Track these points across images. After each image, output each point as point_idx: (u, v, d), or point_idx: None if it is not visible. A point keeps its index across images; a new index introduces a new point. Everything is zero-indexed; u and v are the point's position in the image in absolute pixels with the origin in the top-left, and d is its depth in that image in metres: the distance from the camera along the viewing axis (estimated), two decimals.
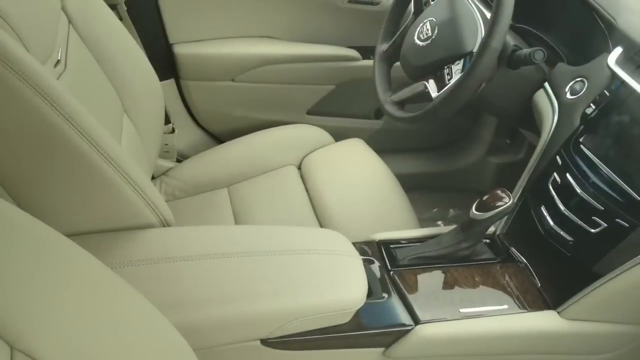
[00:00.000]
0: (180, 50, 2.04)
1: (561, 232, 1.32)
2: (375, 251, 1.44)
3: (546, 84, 1.51)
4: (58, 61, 1.24)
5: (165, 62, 2.06)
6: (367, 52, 2.16)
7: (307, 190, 1.76)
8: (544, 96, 1.50)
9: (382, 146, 2.00)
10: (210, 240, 1.23)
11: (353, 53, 2.16)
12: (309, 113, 2.28)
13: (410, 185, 1.88)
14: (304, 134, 1.99)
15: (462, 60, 1.50)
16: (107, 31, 1.55)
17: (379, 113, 2.31)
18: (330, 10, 2.08)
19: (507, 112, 1.71)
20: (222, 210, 1.73)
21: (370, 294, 1.26)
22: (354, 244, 1.33)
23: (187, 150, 2.15)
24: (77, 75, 1.32)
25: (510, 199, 1.27)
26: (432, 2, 1.68)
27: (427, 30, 1.60)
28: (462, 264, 1.39)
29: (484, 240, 1.48)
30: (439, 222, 2.28)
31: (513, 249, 1.45)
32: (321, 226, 1.64)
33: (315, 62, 2.14)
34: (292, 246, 1.24)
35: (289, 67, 2.12)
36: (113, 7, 1.75)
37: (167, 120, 1.88)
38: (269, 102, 2.21)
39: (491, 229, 1.50)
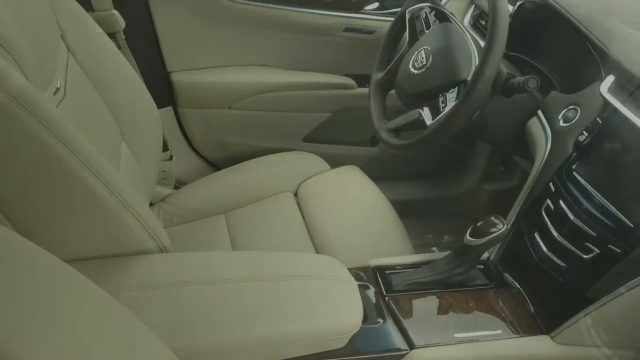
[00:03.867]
0: (177, 78, 2.07)
1: (554, 258, 1.33)
2: (371, 277, 1.45)
3: (539, 112, 1.53)
4: (57, 89, 1.25)
5: (163, 90, 2.08)
6: (362, 80, 2.18)
7: (303, 217, 1.77)
8: (538, 124, 1.51)
9: (377, 173, 2.02)
10: (207, 265, 1.24)
11: (348, 81, 2.18)
12: (305, 140, 2.30)
13: (405, 211, 1.89)
14: (300, 161, 2.01)
15: (456, 88, 1.52)
16: (105, 60, 1.56)
17: (374, 140, 2.33)
18: (326, 39, 2.11)
19: (501, 140, 1.72)
20: (220, 237, 1.74)
21: (365, 318, 1.27)
22: (350, 269, 1.33)
23: (185, 177, 2.16)
24: (76, 102, 1.33)
25: (504, 225, 1.28)
26: (426, 31, 1.69)
27: (422, 58, 1.61)
28: (456, 289, 1.40)
29: (478, 266, 1.49)
30: (434, 248, 2.29)
31: (507, 275, 1.46)
32: (317, 252, 1.65)
33: (311, 90, 2.16)
34: (288, 271, 1.25)
35: (286, 94, 2.14)
36: (112, 35, 1.77)
37: (165, 148, 1.89)
38: (266, 129, 2.23)
39: (485, 255, 1.52)
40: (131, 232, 1.17)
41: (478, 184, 2.40)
